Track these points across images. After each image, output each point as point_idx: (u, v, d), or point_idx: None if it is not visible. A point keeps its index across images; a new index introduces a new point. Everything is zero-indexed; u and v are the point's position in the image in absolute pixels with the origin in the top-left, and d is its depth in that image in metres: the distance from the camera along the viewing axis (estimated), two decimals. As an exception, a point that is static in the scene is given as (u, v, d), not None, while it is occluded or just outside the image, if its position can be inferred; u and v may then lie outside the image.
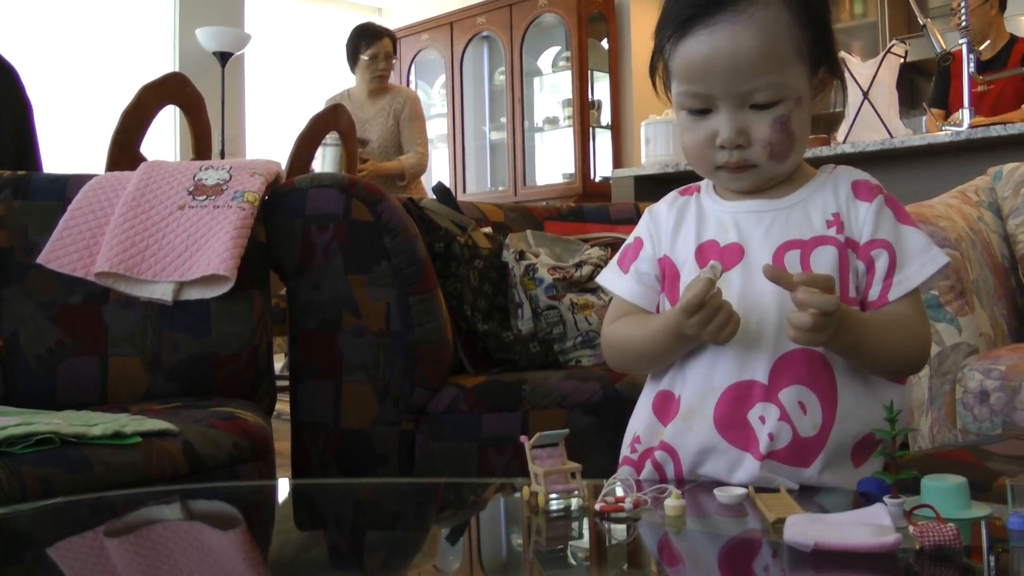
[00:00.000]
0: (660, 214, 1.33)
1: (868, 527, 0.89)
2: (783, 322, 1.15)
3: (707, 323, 1.12)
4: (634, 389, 2.04)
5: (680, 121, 1.24)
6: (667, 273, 1.29)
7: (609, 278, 1.36)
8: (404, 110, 4.88)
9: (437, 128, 7.81)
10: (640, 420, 1.29)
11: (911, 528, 0.88)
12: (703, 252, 1.25)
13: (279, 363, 4.35)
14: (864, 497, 1.03)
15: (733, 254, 1.23)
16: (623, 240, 2.70)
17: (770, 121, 1.18)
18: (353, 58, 4.92)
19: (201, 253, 2.07)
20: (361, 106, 4.91)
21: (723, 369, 1.20)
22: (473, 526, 1.19)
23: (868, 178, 1.28)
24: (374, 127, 4.89)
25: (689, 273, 1.24)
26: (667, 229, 1.31)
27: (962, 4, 3.96)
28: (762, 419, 1.17)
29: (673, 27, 1.19)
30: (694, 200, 1.32)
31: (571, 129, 6.76)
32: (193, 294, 2.08)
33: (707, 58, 1.16)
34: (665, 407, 1.26)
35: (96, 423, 1.50)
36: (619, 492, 1.07)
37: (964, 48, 3.95)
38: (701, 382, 1.21)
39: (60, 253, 2.07)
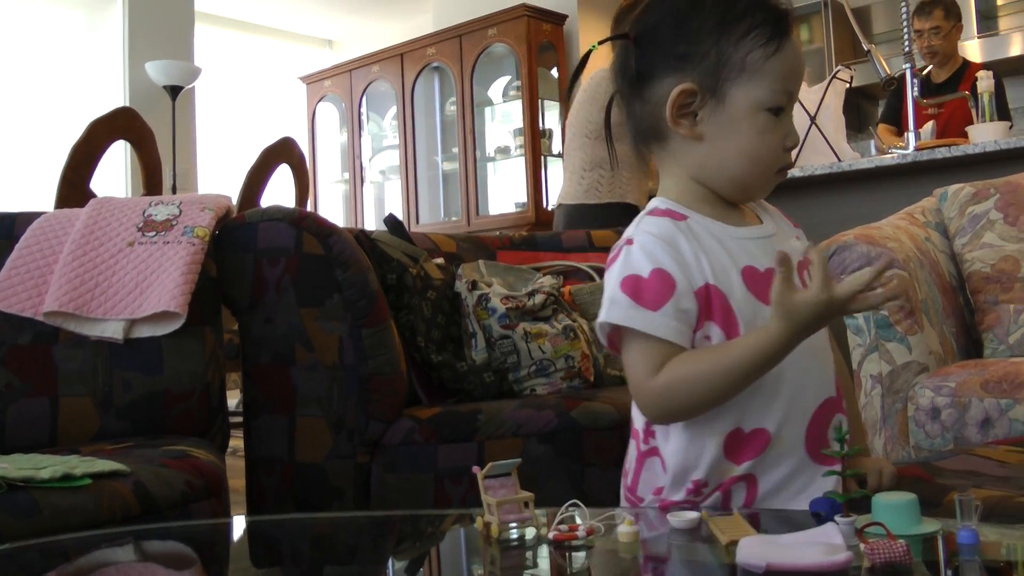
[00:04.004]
0: (679, 242, 1.22)
1: (820, 546, 0.90)
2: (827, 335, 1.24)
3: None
4: (589, 416, 2.05)
5: (758, 124, 1.22)
6: (714, 303, 1.20)
7: (639, 319, 1.19)
8: None
9: (389, 160, 7.81)
10: (703, 468, 1.21)
11: (862, 546, 0.89)
12: (750, 277, 1.23)
13: (235, 399, 4.32)
14: (816, 517, 1.03)
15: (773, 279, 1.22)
16: (576, 268, 2.74)
17: None
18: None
19: (152, 290, 2.06)
20: None
21: (810, 391, 1.23)
22: (430, 558, 1.19)
23: None
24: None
25: (741, 299, 1.21)
26: (695, 257, 1.22)
27: (904, 27, 4.03)
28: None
29: (773, 25, 1.21)
30: (696, 224, 1.25)
31: (523, 158, 6.77)
32: (144, 331, 2.06)
33: (798, 60, 1.24)
34: (740, 445, 1.21)
35: (45, 466, 1.48)
36: (573, 520, 1.07)
37: (908, 73, 4.03)
38: (791, 408, 1.21)
39: (8, 293, 2.05)
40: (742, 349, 1.15)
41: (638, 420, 1.30)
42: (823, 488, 1.17)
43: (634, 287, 1.20)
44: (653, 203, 1.29)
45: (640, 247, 1.22)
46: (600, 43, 1.34)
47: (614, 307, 1.20)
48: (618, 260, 1.24)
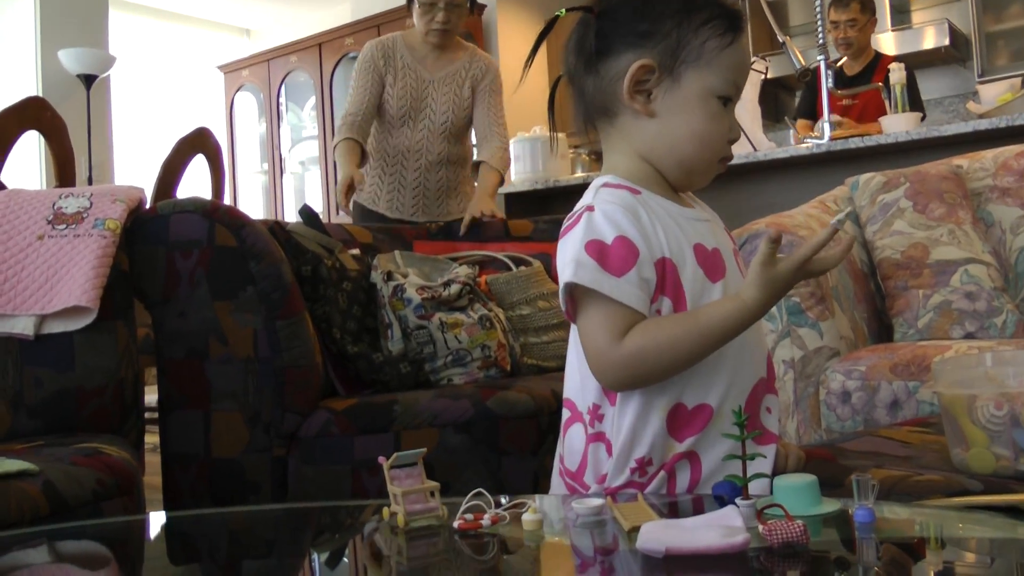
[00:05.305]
0: (640, 213, 1.23)
1: (719, 529, 0.91)
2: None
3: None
4: (505, 405, 2.06)
5: (710, 110, 1.25)
6: (668, 276, 1.22)
7: (606, 283, 1.18)
8: (485, 79, 3.78)
9: (309, 150, 7.74)
10: (646, 444, 1.22)
11: (761, 527, 0.91)
12: (700, 254, 1.25)
13: (154, 394, 4.25)
14: (718, 500, 1.05)
15: (719, 259, 1.26)
16: (493, 257, 2.75)
17: None
18: (408, 2, 3.84)
19: (62, 284, 2.02)
20: (420, 62, 3.83)
21: (747, 370, 1.26)
22: (344, 550, 1.19)
23: None
24: (440, 94, 3.77)
25: (691, 275, 1.23)
26: (653, 228, 1.23)
27: (818, 20, 4.10)
28: (768, 410, 1.27)
29: (729, 20, 1.26)
30: (648, 199, 1.26)
31: (445, 148, 6.74)
32: (55, 327, 2.02)
33: (747, 59, 1.30)
34: (681, 421, 1.22)
35: (-51, 467, 1.45)
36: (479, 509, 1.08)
37: (822, 65, 4.10)
38: (731, 385, 1.23)
39: (-90, 289, 2.00)
40: (713, 316, 1.18)
41: (584, 401, 1.28)
42: (763, 467, 1.20)
43: (599, 251, 1.19)
44: (604, 178, 1.29)
45: (602, 214, 1.22)
46: (568, 11, 1.35)
47: (582, 269, 1.19)
48: (578, 225, 1.23)
